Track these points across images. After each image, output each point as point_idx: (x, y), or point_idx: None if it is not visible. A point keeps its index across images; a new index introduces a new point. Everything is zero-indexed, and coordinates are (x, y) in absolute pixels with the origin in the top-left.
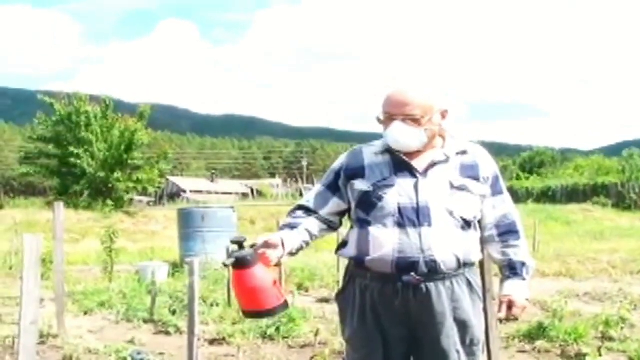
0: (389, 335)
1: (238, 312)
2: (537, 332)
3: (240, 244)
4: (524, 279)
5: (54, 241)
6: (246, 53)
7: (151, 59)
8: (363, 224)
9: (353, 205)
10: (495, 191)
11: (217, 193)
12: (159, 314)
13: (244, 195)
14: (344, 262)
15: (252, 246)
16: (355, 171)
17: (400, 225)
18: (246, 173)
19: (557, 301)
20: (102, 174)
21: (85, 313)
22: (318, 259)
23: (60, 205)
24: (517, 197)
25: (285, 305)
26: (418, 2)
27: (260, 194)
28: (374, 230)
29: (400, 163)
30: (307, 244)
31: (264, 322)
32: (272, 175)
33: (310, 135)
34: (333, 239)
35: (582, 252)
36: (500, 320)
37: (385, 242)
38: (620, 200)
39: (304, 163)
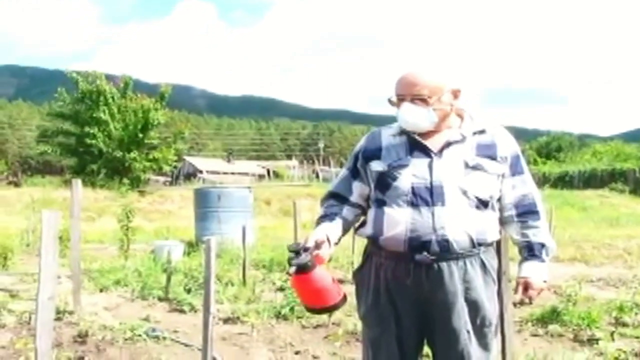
0: (402, 314)
1: (253, 291)
2: (550, 317)
3: (297, 252)
4: (542, 261)
5: (71, 219)
6: (265, 35)
7: (169, 39)
8: (379, 203)
9: (372, 186)
10: (515, 171)
11: (233, 174)
12: (174, 292)
13: (260, 176)
14: (359, 243)
15: (305, 249)
16: (373, 152)
17: (414, 204)
18: (263, 154)
19: (571, 286)
20: (118, 153)
21: (101, 290)
22: None
23: (77, 183)
24: (534, 181)
25: (344, 299)
26: None
27: (276, 175)
28: (388, 209)
29: (415, 143)
30: (347, 231)
31: (278, 302)
32: (289, 157)
33: (328, 117)
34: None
35: (598, 237)
36: (515, 304)
37: (399, 221)
38: (638, 187)
39: (321, 145)
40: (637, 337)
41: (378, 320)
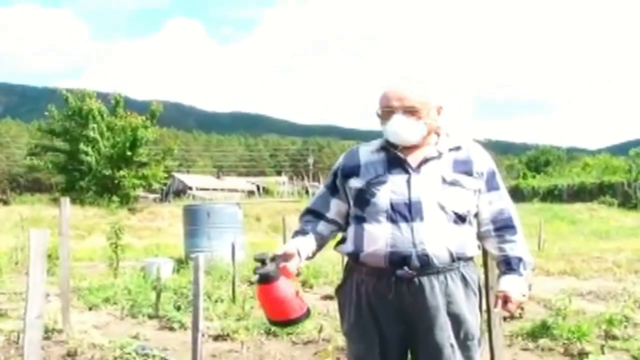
0: (385, 329)
1: (242, 308)
2: (540, 330)
3: (263, 261)
4: (520, 275)
5: (59, 237)
6: (253, 51)
7: (158, 56)
8: (359, 220)
9: (351, 203)
10: (491, 187)
11: (223, 190)
12: (164, 310)
13: (250, 192)
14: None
15: (272, 259)
16: (351, 170)
17: (393, 220)
18: (252, 170)
19: (561, 299)
20: (108, 171)
21: (90, 308)
22: (323, 256)
23: (66, 201)
24: (523, 195)
25: (307, 313)
26: (426, 2)
27: (266, 191)
28: (368, 226)
29: (394, 160)
30: (321, 246)
31: None
32: (278, 173)
33: (317, 133)
34: (337, 236)
35: (587, 251)
36: (505, 318)
37: (379, 237)
38: (627, 200)
39: (310, 161)
40: (627, 350)
41: (361, 336)
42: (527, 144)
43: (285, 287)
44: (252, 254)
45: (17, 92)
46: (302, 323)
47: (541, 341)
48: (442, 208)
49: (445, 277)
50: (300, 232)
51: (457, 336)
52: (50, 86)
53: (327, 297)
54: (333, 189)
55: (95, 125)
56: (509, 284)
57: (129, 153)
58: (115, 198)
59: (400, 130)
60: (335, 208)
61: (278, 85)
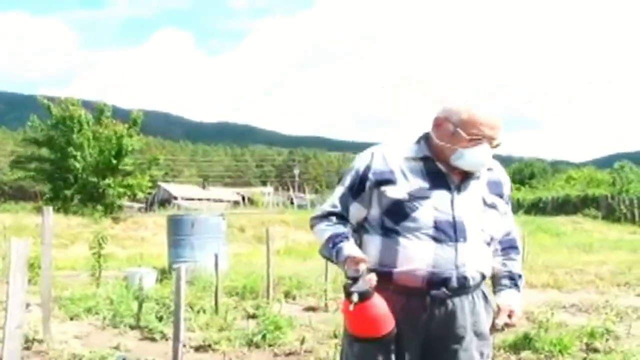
0: (406, 347)
1: (225, 319)
2: (522, 343)
3: (355, 278)
4: (519, 291)
5: (42, 246)
6: (241, 62)
7: (146, 66)
8: (389, 233)
9: (377, 211)
10: (508, 209)
11: (208, 200)
12: (146, 320)
13: (235, 202)
14: (333, 272)
15: (355, 279)
16: (384, 175)
17: (436, 239)
18: (238, 181)
19: (544, 312)
20: (93, 179)
21: (72, 318)
22: (306, 267)
23: (49, 210)
24: None
25: (395, 327)
26: (409, 17)
27: (251, 201)
28: (405, 241)
29: (435, 173)
30: None
31: (250, 329)
32: (264, 184)
33: (303, 144)
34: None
35: (570, 263)
36: (491, 331)
37: (417, 255)
38: (610, 213)
39: (296, 171)
40: None
41: (378, 352)
42: (512, 157)
43: (381, 302)
44: (235, 264)
45: (3, 99)
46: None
47: (523, 354)
48: (482, 230)
49: (473, 297)
50: (343, 237)
51: (480, 354)
52: (37, 94)
53: (310, 309)
54: (356, 191)
55: (82, 133)
56: (513, 298)
57: (114, 162)
58: (99, 207)
59: (486, 161)
60: (355, 212)
61: (265, 96)
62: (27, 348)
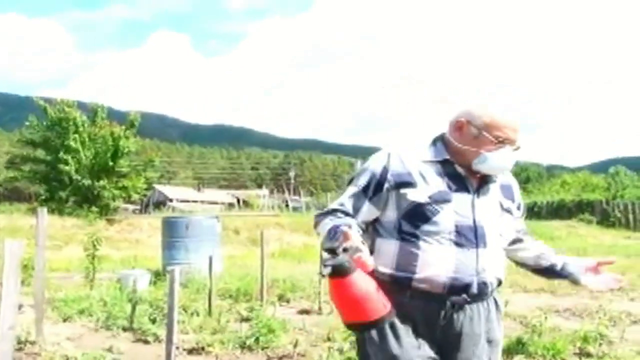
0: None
1: (218, 321)
2: (516, 347)
3: (333, 251)
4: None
5: (35, 247)
6: (237, 65)
7: (143, 68)
8: (408, 237)
9: (393, 214)
10: (521, 213)
11: (203, 202)
12: (139, 322)
13: (230, 205)
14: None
15: (344, 250)
16: (402, 177)
17: (458, 244)
18: (233, 183)
19: (537, 317)
20: (88, 181)
21: (65, 320)
22: (300, 270)
23: (43, 212)
24: None
25: (391, 313)
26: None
27: (246, 204)
28: (425, 246)
29: (454, 176)
30: None
31: (243, 332)
32: (259, 186)
33: (299, 147)
34: (316, 250)
35: None
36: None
37: (439, 260)
38: (605, 218)
39: (292, 174)
40: None
41: (393, 341)
42: None
43: (364, 280)
44: (230, 267)
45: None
46: (386, 324)
47: (516, 358)
48: (500, 235)
49: (488, 304)
50: (347, 225)
51: None
52: (34, 96)
53: (304, 312)
54: (372, 192)
55: (76, 135)
56: (579, 260)
57: (110, 163)
58: (94, 209)
59: (509, 165)
60: (367, 213)
61: (262, 99)
62: (20, 349)
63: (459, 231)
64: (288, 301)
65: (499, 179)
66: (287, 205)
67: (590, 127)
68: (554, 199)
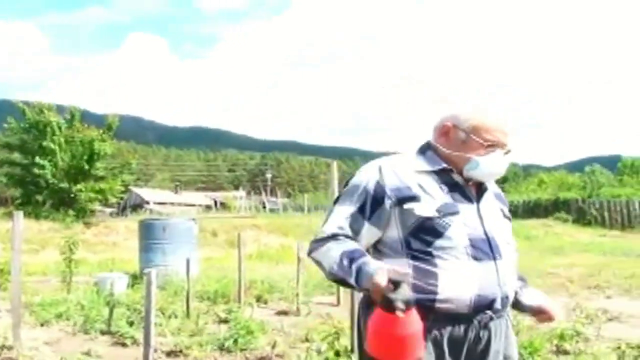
0: None
1: (196, 323)
2: None
3: (396, 284)
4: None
5: (12, 251)
6: (214, 67)
7: (119, 71)
8: (421, 255)
9: (397, 232)
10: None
11: (180, 204)
12: (117, 326)
13: (207, 207)
14: (305, 275)
15: (396, 284)
16: (402, 192)
17: (476, 258)
18: (210, 185)
19: (514, 315)
20: (64, 184)
21: (42, 324)
22: (278, 271)
23: (19, 215)
24: None
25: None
26: (389, 30)
27: (223, 206)
28: (443, 263)
29: (452, 185)
30: None
31: (222, 334)
32: (237, 188)
33: (276, 148)
34: (293, 251)
35: (541, 267)
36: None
37: (460, 277)
38: (581, 216)
39: (268, 175)
40: None
41: None
42: None
43: (417, 319)
44: (207, 269)
45: None
46: None
47: None
48: (509, 244)
49: (505, 320)
50: (362, 253)
51: None
52: (10, 98)
53: (282, 313)
54: (369, 212)
55: (54, 138)
56: (540, 295)
57: (86, 167)
58: (71, 212)
59: (502, 170)
60: (367, 235)
61: (238, 101)
62: None
63: (473, 245)
64: (266, 302)
65: (490, 185)
66: (264, 207)
67: (567, 126)
68: (531, 198)
